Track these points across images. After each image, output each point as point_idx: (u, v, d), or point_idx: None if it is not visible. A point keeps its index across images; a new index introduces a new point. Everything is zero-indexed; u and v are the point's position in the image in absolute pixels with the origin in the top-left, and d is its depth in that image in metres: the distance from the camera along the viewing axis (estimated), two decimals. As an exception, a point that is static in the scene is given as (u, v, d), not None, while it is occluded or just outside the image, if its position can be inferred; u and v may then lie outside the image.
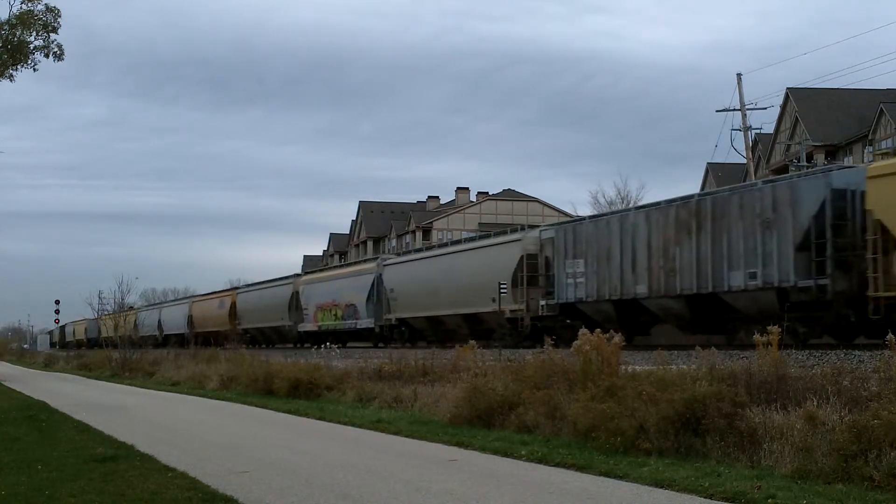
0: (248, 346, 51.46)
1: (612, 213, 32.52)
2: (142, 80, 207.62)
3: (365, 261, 47.59)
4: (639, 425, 10.78)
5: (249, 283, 62.08)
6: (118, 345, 46.66)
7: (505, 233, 33.73)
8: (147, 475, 10.08)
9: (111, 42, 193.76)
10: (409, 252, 44.81)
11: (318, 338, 43.89)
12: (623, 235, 25.47)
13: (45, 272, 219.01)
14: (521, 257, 29.81)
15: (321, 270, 54.16)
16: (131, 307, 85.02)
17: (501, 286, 28.36)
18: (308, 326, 46.73)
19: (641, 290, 24.63)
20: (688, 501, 8.28)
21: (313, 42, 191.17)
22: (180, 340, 61.03)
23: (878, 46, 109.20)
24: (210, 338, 57.21)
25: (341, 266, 50.67)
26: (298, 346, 46.06)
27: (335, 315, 43.71)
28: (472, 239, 39.08)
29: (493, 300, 28.98)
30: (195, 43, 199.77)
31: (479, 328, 31.73)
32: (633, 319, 25.39)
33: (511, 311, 29.98)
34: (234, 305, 58.13)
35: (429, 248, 40.47)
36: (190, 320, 65.13)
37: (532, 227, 32.17)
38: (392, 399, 18.16)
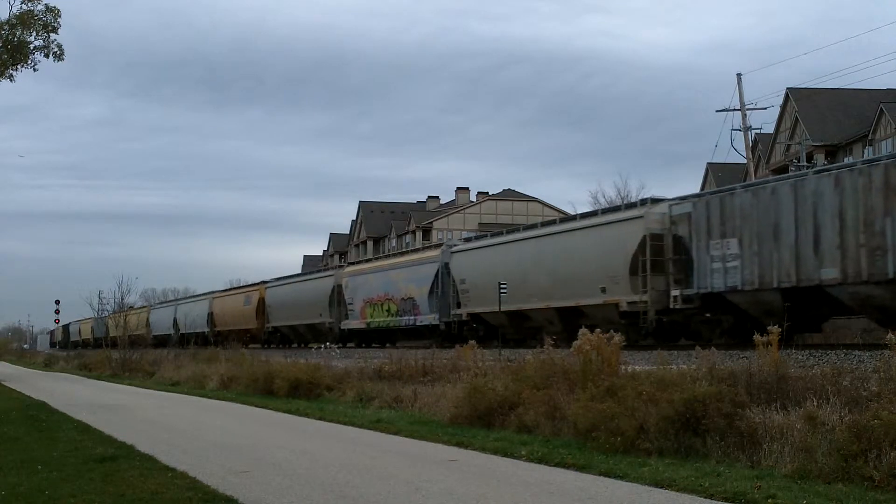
0: (279, 346, 47.92)
1: (779, 178, 26.15)
2: (141, 80, 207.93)
3: (426, 248, 42.23)
4: (639, 425, 10.78)
5: (280, 276, 56.08)
6: (124, 344, 45.92)
7: (618, 208, 28.67)
8: (147, 475, 10.07)
9: (110, 42, 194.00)
10: (482, 237, 37.22)
11: (365, 336, 41.36)
12: (799, 206, 20.71)
13: (45, 272, 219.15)
14: (644, 238, 24.69)
15: (370, 260, 47.67)
16: (143, 305, 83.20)
17: (614, 273, 24.59)
18: (354, 323, 41.87)
19: (830, 274, 19.95)
20: (688, 501, 8.28)
21: (312, 42, 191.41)
22: (199, 340, 56.58)
23: (878, 46, 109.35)
24: (234, 337, 52.68)
25: (396, 255, 44.26)
26: (340, 345, 38.98)
27: (388, 310, 38.78)
28: (570, 218, 32.47)
29: (603, 290, 25.00)
30: (194, 43, 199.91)
31: (577, 324, 23.69)
32: (807, 311, 21.14)
33: (628, 303, 25.14)
34: (262, 301, 52.88)
35: (511, 231, 33.47)
36: (210, 318, 60.48)
37: (656, 200, 26.10)
38: (392, 399, 18.15)
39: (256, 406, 20.44)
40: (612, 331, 22.83)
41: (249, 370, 26.02)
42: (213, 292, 64.21)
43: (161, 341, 60.97)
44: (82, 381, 38.41)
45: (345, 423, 15.85)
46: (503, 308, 29.10)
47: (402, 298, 36.80)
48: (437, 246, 38.21)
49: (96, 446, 12.93)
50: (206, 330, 59.39)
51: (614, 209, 28.89)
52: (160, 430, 15.79)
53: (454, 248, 35.26)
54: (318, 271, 50.51)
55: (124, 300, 52.44)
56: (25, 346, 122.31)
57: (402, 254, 42.26)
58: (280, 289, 51.79)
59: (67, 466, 10.93)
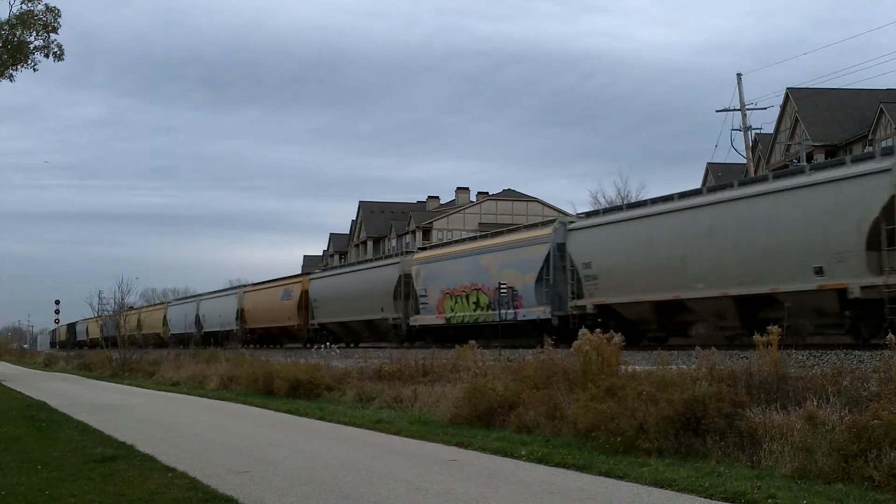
0: (326, 346, 40.39)
1: None
2: (140, 79, 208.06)
3: (530, 226, 33.15)
4: (639, 425, 10.78)
5: (327, 266, 51.71)
6: (124, 344, 45.32)
7: (841, 162, 20.81)
8: (147, 475, 10.08)
9: (109, 42, 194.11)
10: (613, 209, 29.56)
11: (443, 334, 34.12)
12: None
13: (45, 272, 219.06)
14: (893, 198, 18.14)
15: (449, 244, 39.67)
16: (160, 301, 79.86)
17: (839, 247, 18.61)
18: (428, 319, 34.94)
19: None
20: (688, 501, 8.28)
21: (312, 42, 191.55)
22: (227, 339, 51.09)
23: (878, 46, 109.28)
24: (269, 335, 49.56)
25: (486, 236, 35.84)
26: (407, 344, 34.84)
27: (476, 303, 32.23)
28: (760, 179, 23.53)
29: (819, 271, 19.09)
30: (193, 43, 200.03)
31: (760, 317, 19.67)
32: None
33: (863, 288, 18.49)
34: (304, 295, 46.47)
35: (663, 200, 25.34)
36: (240, 314, 54.14)
37: None
38: (392, 399, 18.16)
39: (256, 406, 20.44)
40: (820, 325, 19.51)
41: (249, 370, 26.03)
42: (243, 285, 57.49)
43: (181, 341, 57.54)
44: (82, 381, 38.40)
45: (345, 423, 15.85)
46: (650, 297, 24.10)
47: (497, 288, 29.61)
48: (548, 223, 30.83)
49: (96, 446, 12.94)
50: (235, 328, 53.56)
51: (834, 164, 21.27)
52: (160, 430, 15.79)
53: (573, 225, 28.36)
54: (378, 259, 43.28)
55: (124, 300, 51.11)
56: (25, 346, 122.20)
57: (496, 234, 34.11)
58: (328, 280, 45.44)
59: (67, 466, 10.93)
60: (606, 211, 29.69)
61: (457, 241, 39.38)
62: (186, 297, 69.62)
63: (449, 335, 33.11)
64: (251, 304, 53.57)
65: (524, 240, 30.61)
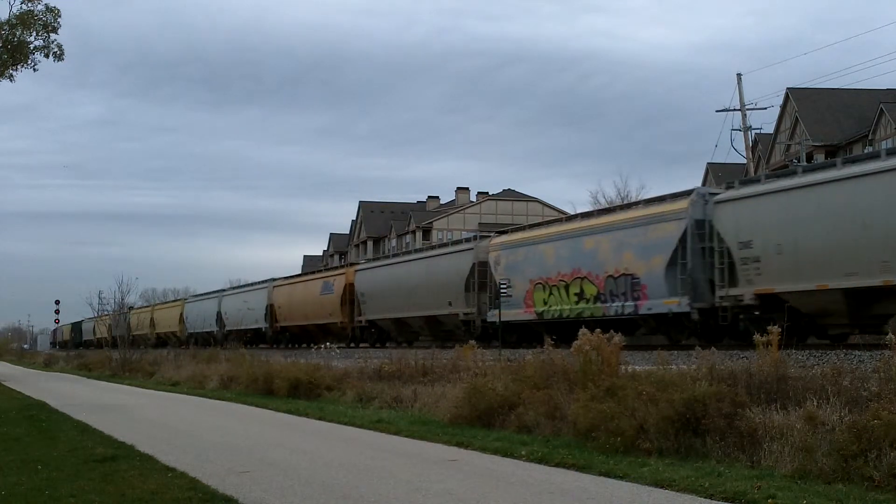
0: (378, 345, 37.85)
1: None
2: (139, 79, 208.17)
3: (655, 200, 26.38)
4: (639, 425, 10.79)
5: (372, 257, 45.20)
6: (124, 344, 44.82)
7: None
8: (147, 475, 10.08)
9: (108, 41, 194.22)
10: (778, 176, 23.05)
11: (529, 332, 29.21)
12: None
13: (45, 272, 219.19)
14: None
15: (538, 225, 32.79)
16: (176, 298, 72.62)
17: None
18: (512, 314, 28.94)
19: None
20: (688, 501, 8.28)
21: (311, 42, 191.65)
22: (253, 338, 48.30)
23: (878, 46, 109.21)
24: (306, 334, 44.96)
25: (587, 215, 29.91)
26: (483, 343, 25.90)
27: (579, 294, 26.70)
28: None
29: None
30: (192, 42, 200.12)
31: None
32: None
33: None
34: (349, 288, 41.44)
35: (860, 160, 20.44)
36: (270, 311, 49.42)
37: None
38: (392, 399, 18.16)
39: (256, 406, 20.44)
40: None
41: (249, 370, 26.03)
42: (273, 279, 52.35)
43: (200, 340, 54.96)
44: (82, 381, 38.41)
45: (345, 423, 15.85)
46: (843, 283, 19.02)
47: (611, 275, 25.17)
48: (679, 195, 24.57)
49: (96, 446, 12.94)
50: (264, 326, 49.54)
51: None
52: (160, 430, 15.79)
53: (721, 196, 22.84)
54: (444, 245, 37.68)
55: (124, 300, 50.73)
56: (25, 346, 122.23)
57: (605, 211, 29.06)
58: (379, 272, 39.96)
59: (67, 466, 10.93)
60: (769, 177, 23.00)
61: (548, 223, 32.68)
62: (206, 293, 63.79)
63: (537, 333, 27.57)
64: (284, 300, 48.40)
65: (649, 216, 24.78)
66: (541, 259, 28.64)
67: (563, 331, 23.68)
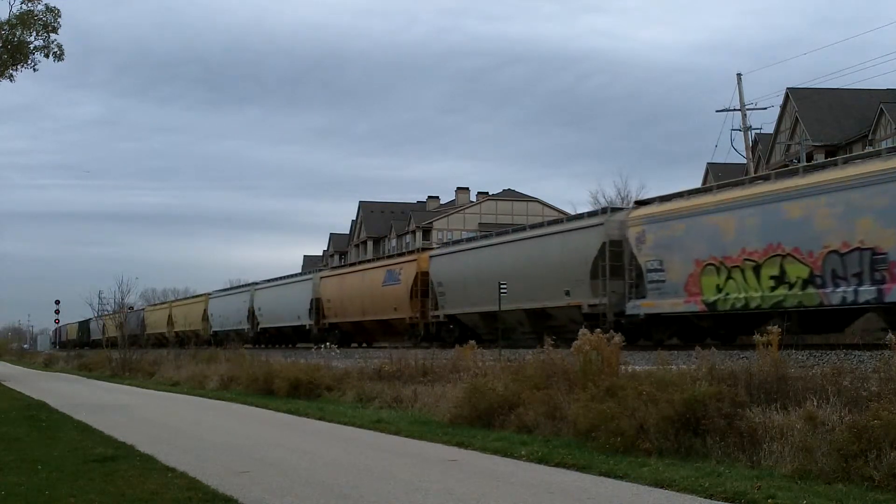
0: (460, 344, 24.37)
1: None
2: (138, 79, 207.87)
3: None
4: (639, 425, 10.79)
5: (450, 241, 37.68)
6: (124, 344, 44.45)
7: None
8: (147, 475, 10.08)
9: (107, 41, 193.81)
10: None
11: (692, 327, 23.93)
12: None
13: (45, 272, 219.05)
14: None
15: (700, 191, 25.07)
16: (199, 294, 65.25)
17: None
18: (668, 304, 23.34)
19: None
20: (688, 501, 8.29)
21: (310, 41, 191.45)
22: (294, 337, 43.95)
23: (878, 46, 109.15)
24: (361, 331, 40.57)
25: (784, 174, 22.73)
26: (631, 346, 19.23)
27: (779, 277, 20.32)
28: None
29: None
30: (192, 42, 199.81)
31: None
32: None
33: None
34: (421, 277, 35.33)
35: None
36: (316, 306, 43.70)
37: None
38: (392, 399, 18.17)
39: (256, 406, 20.45)
40: None
41: (249, 370, 26.04)
42: (319, 270, 47.58)
43: (227, 338, 48.27)
44: (82, 381, 38.41)
45: (345, 424, 15.86)
46: None
47: (836, 250, 18.98)
48: None
49: (96, 446, 12.94)
50: (308, 322, 44.03)
51: None
52: (160, 430, 15.80)
53: None
54: (557, 223, 30.78)
55: (124, 300, 50.50)
56: (25, 346, 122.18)
57: (812, 168, 21.95)
58: (460, 257, 33.31)
59: (67, 466, 10.93)
60: None
61: (721, 186, 24.06)
62: (236, 287, 59.02)
63: (703, 328, 23.19)
64: (333, 293, 42.68)
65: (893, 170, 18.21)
66: (713, 233, 22.23)
67: (742, 325, 20.71)
